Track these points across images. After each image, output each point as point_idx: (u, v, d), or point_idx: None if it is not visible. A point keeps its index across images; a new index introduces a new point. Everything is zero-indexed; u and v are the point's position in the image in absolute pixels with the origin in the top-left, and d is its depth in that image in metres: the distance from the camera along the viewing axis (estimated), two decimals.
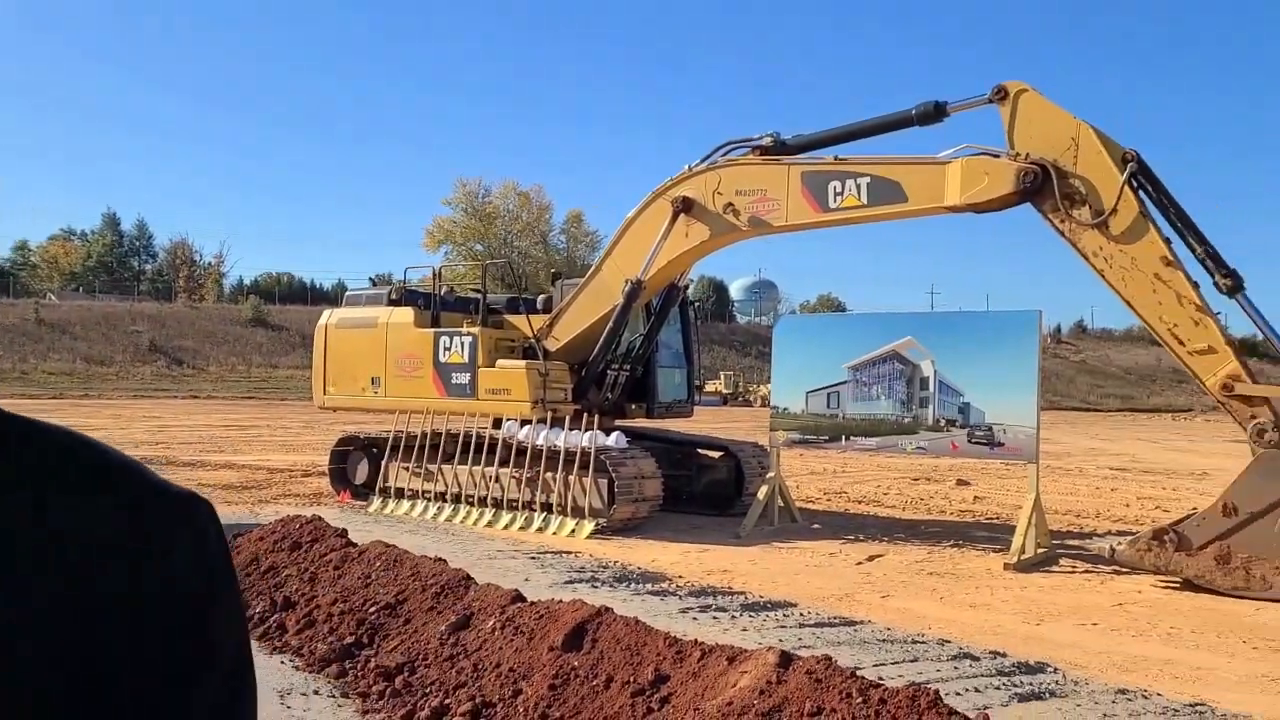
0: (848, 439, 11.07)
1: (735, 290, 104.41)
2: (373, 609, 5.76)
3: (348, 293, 14.95)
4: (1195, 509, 9.17)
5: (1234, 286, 8.90)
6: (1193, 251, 9.05)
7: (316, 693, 5.05)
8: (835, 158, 10.25)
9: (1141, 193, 8.99)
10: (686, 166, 11.16)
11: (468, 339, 12.14)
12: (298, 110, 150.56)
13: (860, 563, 9.40)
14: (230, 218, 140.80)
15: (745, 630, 6.57)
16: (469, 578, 5.85)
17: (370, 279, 17.26)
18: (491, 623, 5.02)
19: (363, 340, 13.15)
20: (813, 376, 11.25)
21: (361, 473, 13.34)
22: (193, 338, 63.50)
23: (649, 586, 7.97)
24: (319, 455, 17.13)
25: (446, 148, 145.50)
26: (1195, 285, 8.71)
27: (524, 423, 11.53)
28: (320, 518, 7.65)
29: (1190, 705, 5.21)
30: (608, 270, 11.85)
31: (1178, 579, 8.47)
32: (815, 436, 11.30)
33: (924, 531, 11.52)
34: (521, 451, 11.39)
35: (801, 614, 7.15)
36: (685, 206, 10.99)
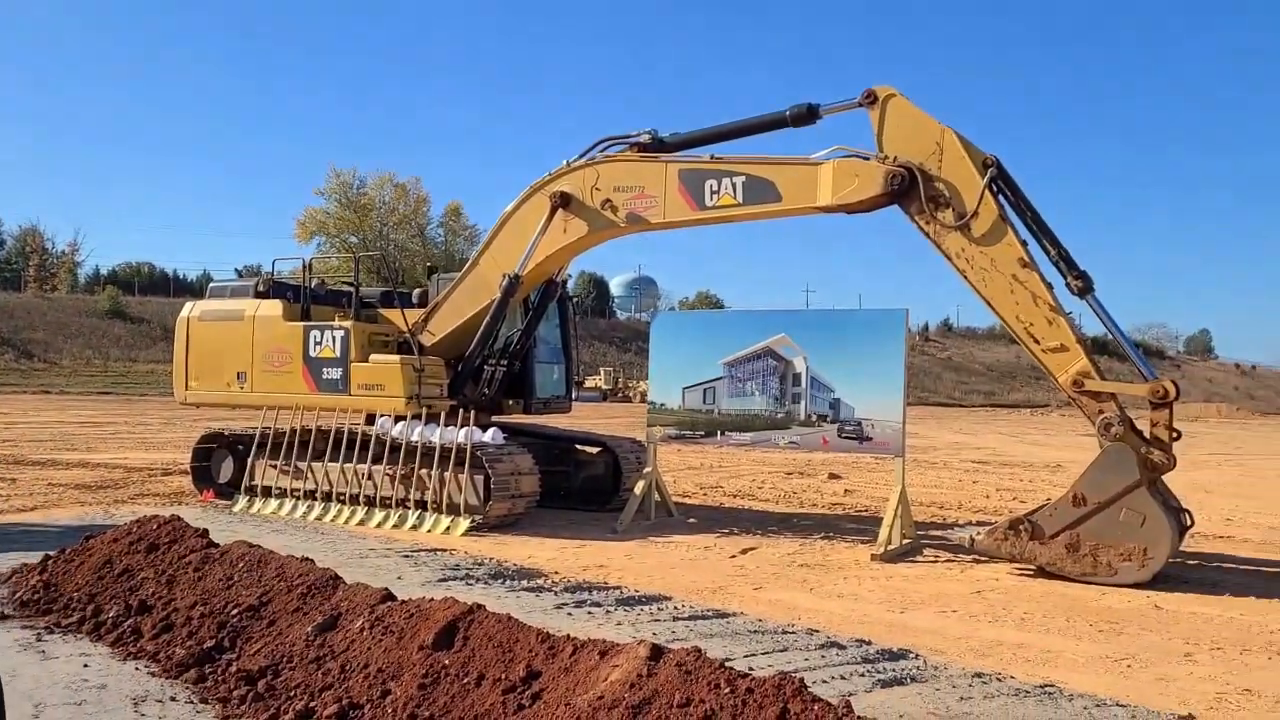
0: (723, 434, 11.23)
1: (615, 286, 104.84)
2: (235, 611, 5.56)
3: (212, 284, 14.39)
4: (1049, 500, 9.62)
5: (1084, 288, 9.37)
6: (1047, 254, 9.49)
7: (173, 699, 4.84)
8: (712, 156, 10.38)
9: (1001, 197, 9.37)
10: (565, 161, 11.13)
11: (339, 333, 11.84)
12: (162, 94, 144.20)
13: (734, 556, 9.55)
14: (87, 205, 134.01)
15: (620, 624, 6.60)
16: (337, 577, 5.71)
17: (237, 270, 16.66)
18: (360, 623, 4.91)
19: (228, 333, 12.68)
20: (689, 372, 11.38)
21: (226, 471, 12.89)
22: (44, 329, 60.22)
23: (524, 583, 7.93)
24: (180, 453, 16.48)
25: (320, 136, 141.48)
26: (1049, 286, 9.12)
27: (398, 419, 11.32)
28: (179, 518, 7.34)
29: (1040, 686, 5.46)
30: (485, 264, 11.72)
31: (1032, 566, 8.87)
32: (691, 432, 11.43)
33: (796, 524, 11.78)
34: (395, 448, 11.18)
35: (676, 607, 7.22)
36: (563, 202, 10.96)
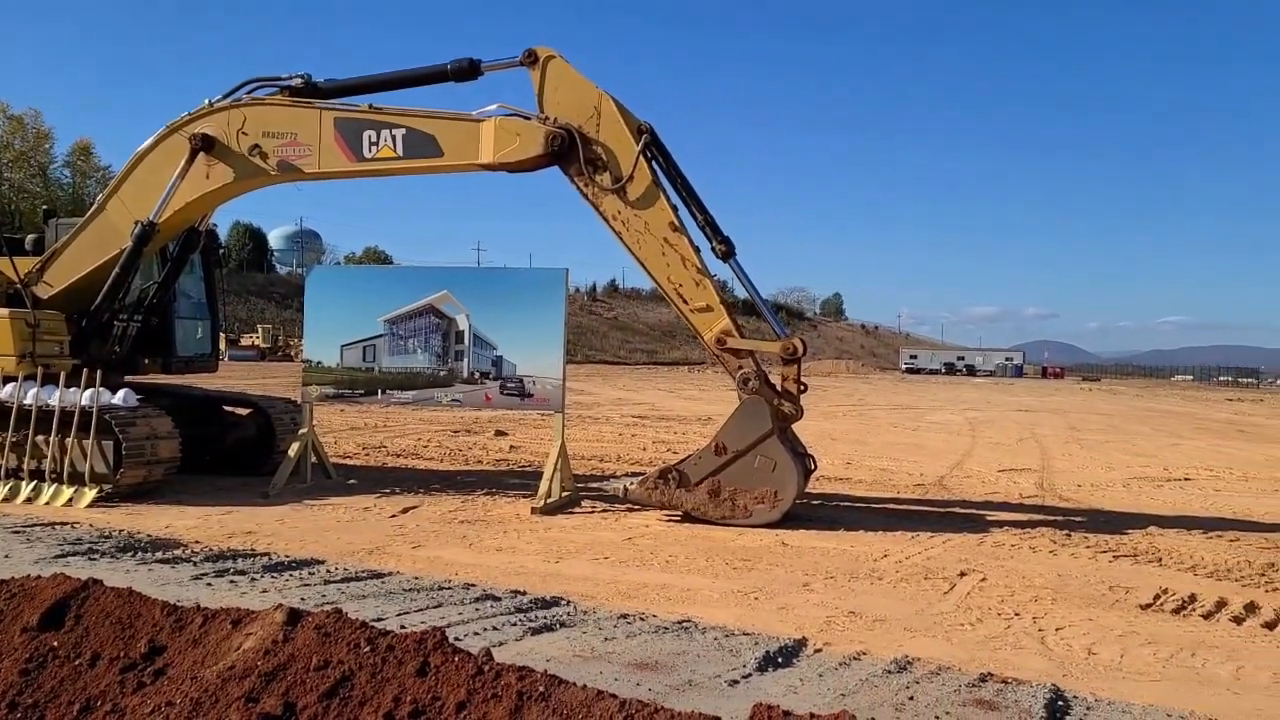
0: (384, 393, 10.98)
1: (275, 239, 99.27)
2: None
3: None
4: (695, 450, 10.27)
5: (727, 252, 10.04)
6: (695, 219, 10.06)
7: None
8: (370, 106, 10.01)
9: (654, 163, 9.80)
10: (207, 101, 10.29)
11: None
12: None
13: (394, 515, 9.40)
14: None
15: (266, 592, 6.30)
16: None
17: None
18: None
19: None
20: (348, 330, 11.00)
21: None
22: None
23: (159, 555, 7.33)
24: None
25: None
26: (697, 250, 9.70)
27: (7, 379, 10.04)
28: None
29: (678, 622, 5.85)
30: (114, 210, 10.60)
31: (679, 512, 9.47)
32: (351, 391, 11.08)
33: (460, 482, 11.79)
34: (4, 412, 9.92)
35: (328, 570, 6.99)
36: (206, 145, 10.14)
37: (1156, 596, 6.90)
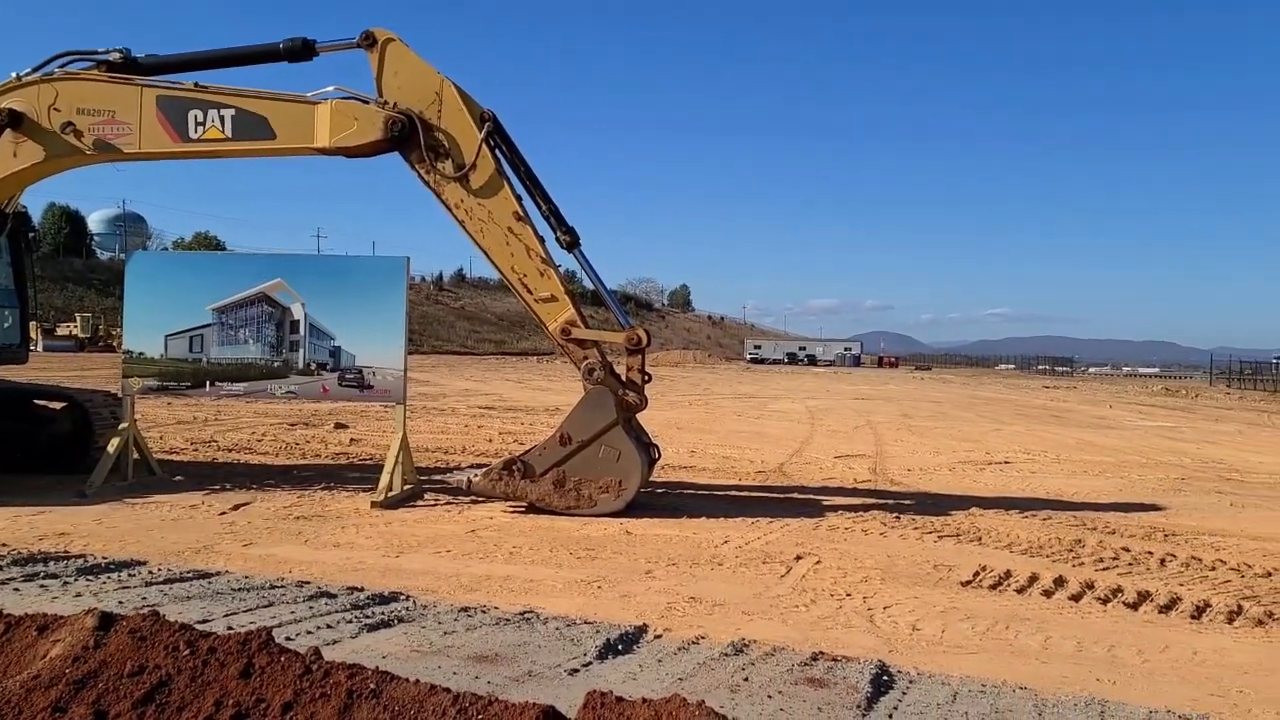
0: (213, 385, 10.50)
1: (95, 223, 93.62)
2: None
3: None
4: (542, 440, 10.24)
5: (572, 242, 10.04)
6: (539, 209, 10.02)
7: None
8: (196, 84, 9.54)
9: (498, 151, 9.70)
10: (14, 75, 9.58)
11: None
12: None
13: (224, 513, 9.01)
14: None
15: (80, 596, 5.93)
16: None
17: None
18: None
19: None
20: (173, 319, 10.45)
21: None
22: None
23: None
24: None
25: None
26: (541, 240, 9.66)
27: None
28: None
29: (520, 613, 5.83)
30: None
31: (524, 503, 9.43)
32: (176, 383, 10.54)
33: (296, 476, 11.40)
34: None
35: (150, 572, 6.64)
36: (13, 121, 9.44)
37: (976, 574, 7.29)
